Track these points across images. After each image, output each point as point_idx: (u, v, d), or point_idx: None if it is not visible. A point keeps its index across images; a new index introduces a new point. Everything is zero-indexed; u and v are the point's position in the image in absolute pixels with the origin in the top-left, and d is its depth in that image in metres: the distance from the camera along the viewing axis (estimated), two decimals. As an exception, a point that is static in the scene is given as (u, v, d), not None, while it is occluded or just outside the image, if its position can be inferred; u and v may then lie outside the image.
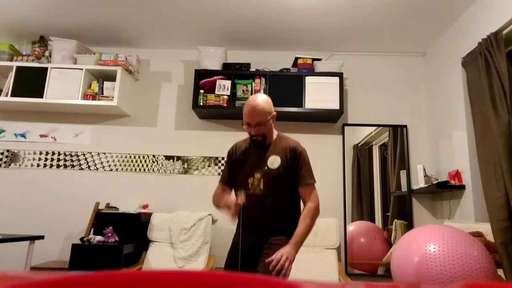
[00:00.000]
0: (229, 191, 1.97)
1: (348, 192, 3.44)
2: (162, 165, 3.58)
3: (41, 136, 3.66)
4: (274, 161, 1.83)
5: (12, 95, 3.36)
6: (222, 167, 3.54)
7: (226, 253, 1.92)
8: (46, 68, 3.41)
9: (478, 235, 2.30)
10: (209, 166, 3.55)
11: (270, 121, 1.84)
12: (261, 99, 1.81)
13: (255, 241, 1.80)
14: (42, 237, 2.86)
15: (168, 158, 3.59)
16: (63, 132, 3.67)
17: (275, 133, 1.94)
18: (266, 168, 1.82)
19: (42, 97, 3.35)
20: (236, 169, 1.93)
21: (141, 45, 3.81)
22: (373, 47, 3.65)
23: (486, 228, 2.35)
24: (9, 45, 3.56)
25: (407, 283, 1.74)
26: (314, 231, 3.08)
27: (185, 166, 3.57)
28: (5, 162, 3.60)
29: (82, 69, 3.42)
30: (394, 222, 3.35)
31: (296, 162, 1.84)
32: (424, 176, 3.21)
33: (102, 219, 3.13)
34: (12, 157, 3.61)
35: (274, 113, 1.87)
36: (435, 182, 3.07)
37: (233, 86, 3.40)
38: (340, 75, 3.36)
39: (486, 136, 2.48)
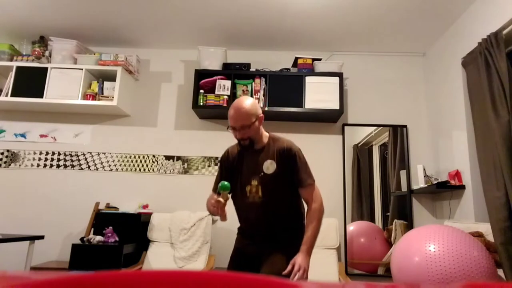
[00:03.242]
0: None
1: (348, 192, 3.44)
2: (162, 165, 3.58)
3: (41, 136, 3.66)
4: (269, 166, 1.76)
5: (12, 95, 3.36)
6: (222, 167, 3.54)
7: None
8: (46, 68, 3.41)
9: (478, 235, 2.30)
10: (209, 166, 3.55)
11: (256, 124, 1.75)
12: (245, 102, 1.74)
13: (260, 249, 1.78)
14: (42, 237, 2.86)
15: (168, 158, 3.59)
16: (63, 132, 3.67)
17: (266, 135, 1.85)
18: (262, 174, 1.76)
19: (42, 97, 3.35)
20: (231, 177, 1.85)
21: (141, 45, 3.81)
22: (373, 47, 3.65)
23: (486, 228, 2.35)
24: (9, 45, 3.56)
25: (407, 283, 1.74)
26: (314, 231, 3.09)
27: (185, 166, 3.57)
28: (5, 162, 3.60)
29: (82, 69, 3.42)
30: (394, 222, 3.35)
31: (293, 163, 1.77)
32: (424, 176, 3.21)
33: (102, 219, 3.13)
34: (12, 157, 3.61)
35: (261, 115, 1.78)
36: (435, 182, 3.07)
37: (233, 86, 3.41)
38: (340, 75, 3.36)
39: (486, 136, 2.48)
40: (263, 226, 1.79)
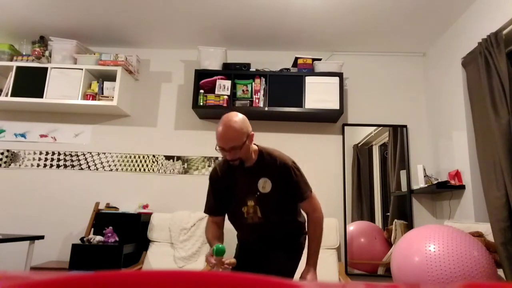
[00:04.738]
0: (220, 221, 1.81)
1: (348, 192, 3.44)
2: (162, 165, 3.58)
3: (41, 136, 3.66)
4: (265, 185, 1.67)
5: (12, 95, 3.36)
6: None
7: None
8: (46, 68, 3.41)
9: (478, 235, 2.30)
10: (209, 166, 3.55)
11: (247, 143, 1.60)
12: (235, 120, 1.58)
13: (261, 255, 1.79)
14: (42, 237, 2.86)
15: (168, 158, 3.59)
16: (63, 132, 3.67)
17: (255, 149, 1.71)
18: (258, 194, 1.67)
19: (42, 97, 3.35)
20: (224, 197, 1.77)
21: (141, 45, 3.81)
22: (373, 47, 3.65)
23: (486, 228, 2.35)
24: (9, 45, 3.56)
25: (407, 283, 1.74)
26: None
27: (185, 166, 3.57)
28: (5, 162, 3.60)
29: (82, 69, 3.42)
30: (394, 222, 3.35)
31: (289, 179, 1.68)
32: (424, 176, 3.21)
33: (102, 219, 3.13)
34: (12, 157, 3.61)
35: (251, 133, 1.64)
36: (435, 182, 3.07)
37: (233, 86, 3.40)
38: (340, 75, 3.36)
39: (486, 136, 2.48)
40: (265, 243, 1.78)
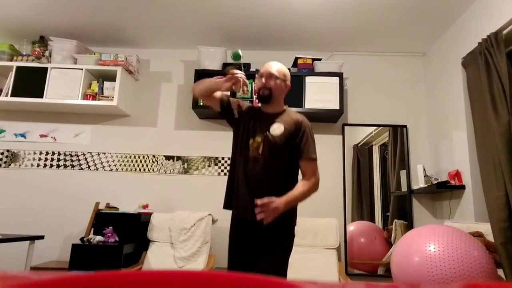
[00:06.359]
0: (215, 95, 1.99)
1: (348, 192, 3.44)
2: (162, 165, 3.58)
3: (41, 136, 3.66)
4: (277, 128, 1.82)
5: (12, 95, 3.36)
6: (222, 167, 3.54)
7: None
8: (46, 68, 3.41)
9: (478, 235, 2.30)
10: (209, 166, 3.55)
11: (282, 84, 1.89)
12: (284, 66, 1.94)
13: (249, 206, 1.73)
14: (42, 237, 2.86)
15: (168, 158, 3.59)
16: (63, 132, 3.67)
17: (285, 106, 1.96)
18: (267, 133, 1.81)
19: (42, 97, 3.34)
20: (239, 120, 1.93)
21: (141, 45, 3.81)
22: (373, 47, 3.65)
23: (486, 228, 2.35)
24: (9, 45, 3.56)
25: (407, 283, 1.74)
26: (314, 231, 3.09)
27: (185, 166, 3.57)
28: (5, 162, 3.60)
29: (82, 69, 3.42)
30: (394, 222, 3.35)
31: (301, 134, 1.82)
32: (424, 176, 3.21)
33: (102, 219, 3.13)
34: (12, 157, 3.61)
35: (289, 84, 1.94)
36: (435, 182, 3.07)
37: (233, 86, 3.40)
38: (340, 75, 3.36)
39: (486, 136, 2.48)
40: (255, 181, 1.77)
